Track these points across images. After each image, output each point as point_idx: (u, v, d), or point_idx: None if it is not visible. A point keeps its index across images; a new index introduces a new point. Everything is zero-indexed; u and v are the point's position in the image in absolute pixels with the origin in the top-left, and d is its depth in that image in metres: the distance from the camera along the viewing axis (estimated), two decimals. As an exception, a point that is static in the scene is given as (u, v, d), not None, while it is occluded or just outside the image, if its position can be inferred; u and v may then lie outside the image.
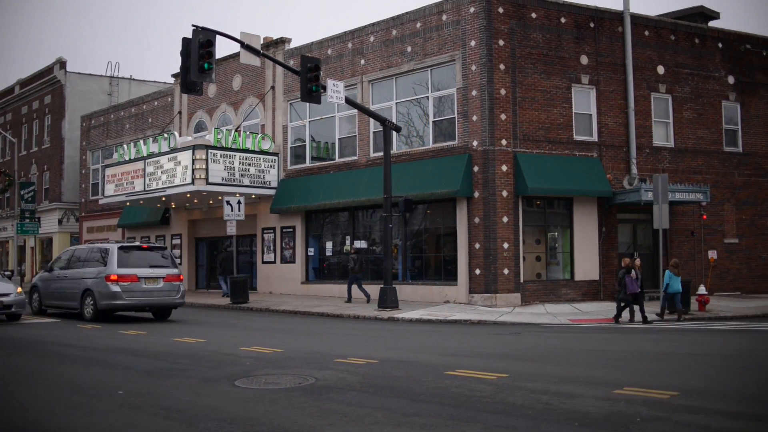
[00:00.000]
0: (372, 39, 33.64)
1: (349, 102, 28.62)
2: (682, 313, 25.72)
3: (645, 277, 28.42)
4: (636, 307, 25.12)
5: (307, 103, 31.05)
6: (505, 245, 28.82)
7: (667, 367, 14.06)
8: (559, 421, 9.47)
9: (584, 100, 31.24)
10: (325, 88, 26.75)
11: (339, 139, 35.22)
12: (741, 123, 35.54)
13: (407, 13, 32.31)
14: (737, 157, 35.25)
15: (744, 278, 34.99)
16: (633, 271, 24.96)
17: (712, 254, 32.86)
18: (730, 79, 35.32)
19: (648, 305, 27.81)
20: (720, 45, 35.24)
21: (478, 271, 28.99)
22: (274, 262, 37.80)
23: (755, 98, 36.09)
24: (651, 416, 9.61)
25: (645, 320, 24.74)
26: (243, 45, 26.62)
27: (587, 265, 30.50)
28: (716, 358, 15.40)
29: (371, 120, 32.10)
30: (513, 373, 13.05)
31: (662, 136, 33.21)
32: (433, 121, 31.30)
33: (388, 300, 27.61)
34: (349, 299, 31.20)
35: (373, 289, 30.10)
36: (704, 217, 33.23)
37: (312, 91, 26.11)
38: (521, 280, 29.29)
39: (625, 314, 25.17)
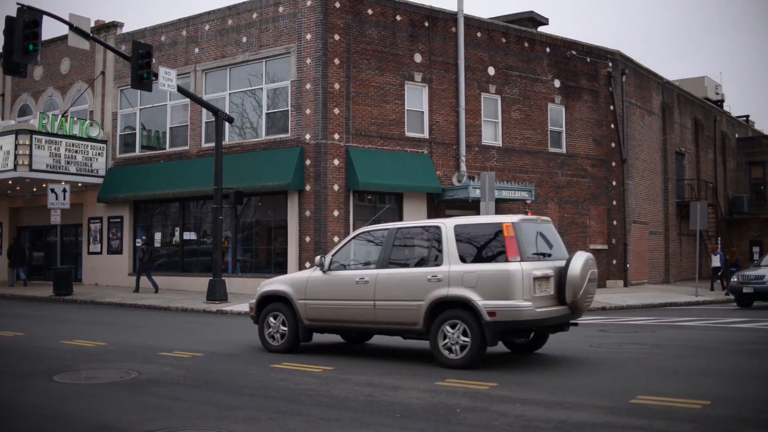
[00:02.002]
0: (207, 27, 33.16)
1: (181, 91, 28.14)
2: None
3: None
4: None
5: (138, 91, 30.36)
6: (336, 239, 28.97)
7: (490, 359, 14.46)
8: (381, 413, 9.62)
9: (417, 98, 31.75)
10: (156, 75, 26.20)
11: (170, 128, 34.57)
12: (565, 125, 36.92)
13: (244, 3, 31.99)
14: (561, 157, 36.61)
15: (564, 274, 36.30)
16: None
17: (536, 251, 33.93)
18: (556, 83, 36.64)
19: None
20: (548, 50, 36.49)
21: (308, 265, 29.02)
22: (100, 252, 36.77)
23: (579, 102, 37.56)
24: (470, 407, 9.88)
25: None
26: (71, 27, 25.75)
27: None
28: (534, 351, 15.97)
29: (204, 110, 31.66)
30: (338, 366, 13.17)
31: (491, 135, 34.12)
32: (267, 113, 31.15)
33: (216, 293, 27.33)
34: (137, 289, 31.11)
35: (203, 282, 29.72)
36: (529, 214, 34.23)
37: (143, 78, 25.53)
38: (351, 274, 29.47)
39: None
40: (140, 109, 35.61)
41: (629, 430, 8.62)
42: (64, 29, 27.69)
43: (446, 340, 13.20)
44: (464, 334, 13.02)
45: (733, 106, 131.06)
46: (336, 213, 29.06)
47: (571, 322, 14.32)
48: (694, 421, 8.94)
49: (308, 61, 29.52)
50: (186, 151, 33.53)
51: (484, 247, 13.31)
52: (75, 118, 35.52)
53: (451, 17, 32.86)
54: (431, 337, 13.39)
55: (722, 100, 60.03)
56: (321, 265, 14.81)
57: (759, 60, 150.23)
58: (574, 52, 37.42)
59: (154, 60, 27.23)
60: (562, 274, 13.52)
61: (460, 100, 32.62)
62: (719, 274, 37.77)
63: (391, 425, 9.02)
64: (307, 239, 29.10)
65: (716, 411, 9.47)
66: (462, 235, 13.54)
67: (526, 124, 35.29)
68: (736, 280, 30.10)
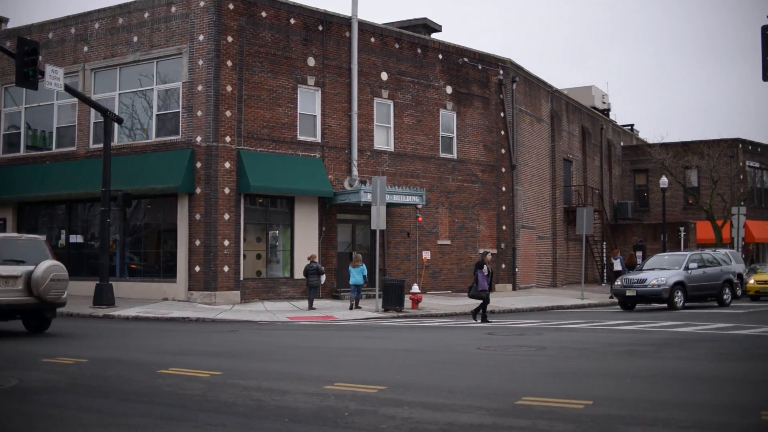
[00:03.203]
0: (97, 26, 32.49)
1: (69, 90, 27.50)
2: (355, 303, 28.30)
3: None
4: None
5: (24, 89, 29.56)
6: (226, 243, 28.73)
7: (377, 363, 14.56)
8: (270, 417, 9.56)
9: (309, 101, 31.72)
10: (43, 73, 25.52)
11: (57, 128, 33.73)
12: (456, 131, 37.39)
13: (135, 2, 31.42)
14: (452, 163, 37.06)
15: (455, 277, 36.84)
16: (485, 267, 24.59)
17: (426, 255, 34.32)
18: (448, 90, 37.08)
19: (364, 302, 28.82)
20: (440, 56, 36.90)
21: (198, 269, 28.72)
22: (-19, 255, 35.58)
23: (470, 108, 38.09)
24: (358, 410, 9.90)
25: (484, 319, 24.47)
26: (-48, 22, 24.91)
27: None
28: (422, 353, 16.12)
29: (92, 110, 30.99)
30: (227, 371, 13.05)
31: (383, 140, 34.32)
32: (158, 115, 30.69)
33: (103, 297, 26.74)
34: None
35: (89, 286, 29.03)
36: (420, 219, 34.64)
37: (29, 76, 24.80)
38: (241, 278, 29.30)
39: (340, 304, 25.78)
40: (25, 107, 34.65)
41: (514, 431, 8.78)
42: (-56, 24, 26.77)
43: None
44: None
45: (619, 116, 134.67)
46: (227, 216, 28.80)
47: (57, 309, 19.93)
48: (577, 420, 9.15)
49: (200, 62, 29.20)
50: (73, 152, 32.78)
51: None
52: (-44, 116, 34.39)
53: (345, 22, 32.94)
54: None
55: (608, 109, 61.70)
56: None
57: (643, 71, 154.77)
58: (466, 59, 37.94)
59: (40, 57, 26.51)
60: (30, 275, 18.33)
61: (352, 105, 32.72)
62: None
63: (279, 430, 8.98)
64: (197, 243, 28.77)
65: (597, 410, 9.71)
66: None
67: (418, 129, 35.61)
68: (619, 283, 30.99)
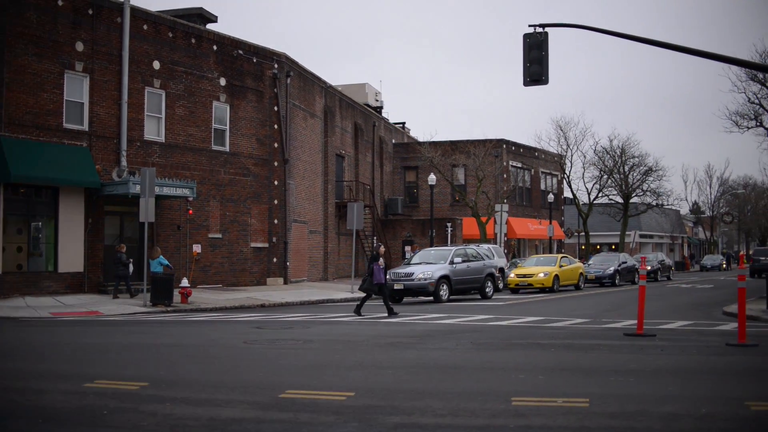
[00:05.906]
0: None
1: None
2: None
3: (136, 268, 29.24)
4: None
5: None
6: (-16, 233, 27.34)
7: (141, 358, 14.30)
8: (23, 418, 9.23)
9: (77, 88, 30.64)
10: None
11: None
12: (230, 124, 37.20)
13: None
14: (224, 155, 36.83)
15: (226, 271, 36.66)
16: (381, 260, 24.53)
17: (196, 248, 33.98)
18: (222, 81, 36.80)
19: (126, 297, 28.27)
20: (215, 47, 36.55)
21: (-48, 260, 27.16)
22: None
23: (243, 101, 37.97)
24: (119, 408, 9.71)
25: (391, 313, 24.03)
26: None
27: (72, 257, 29.94)
28: (188, 348, 15.98)
29: None
30: (-22, 370, 12.48)
31: (154, 130, 33.65)
32: None
33: None
34: None
35: None
36: (190, 212, 34.22)
37: None
38: (0, 272, 27.95)
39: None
40: None
41: (276, 424, 8.86)
42: None
43: None
44: None
45: (392, 113, 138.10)
46: (-15, 206, 27.39)
47: None
48: (338, 412, 9.36)
49: (-43, 42, 27.58)
50: None
51: None
52: None
53: (117, 7, 32.01)
54: None
55: (381, 107, 63.15)
56: None
57: (415, 72, 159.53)
58: (240, 52, 37.79)
59: None
60: None
61: (123, 93, 31.88)
62: None
63: None
64: (-48, 233, 27.21)
65: (359, 401, 9.96)
66: None
67: (191, 120, 35.16)
68: (388, 277, 31.77)
